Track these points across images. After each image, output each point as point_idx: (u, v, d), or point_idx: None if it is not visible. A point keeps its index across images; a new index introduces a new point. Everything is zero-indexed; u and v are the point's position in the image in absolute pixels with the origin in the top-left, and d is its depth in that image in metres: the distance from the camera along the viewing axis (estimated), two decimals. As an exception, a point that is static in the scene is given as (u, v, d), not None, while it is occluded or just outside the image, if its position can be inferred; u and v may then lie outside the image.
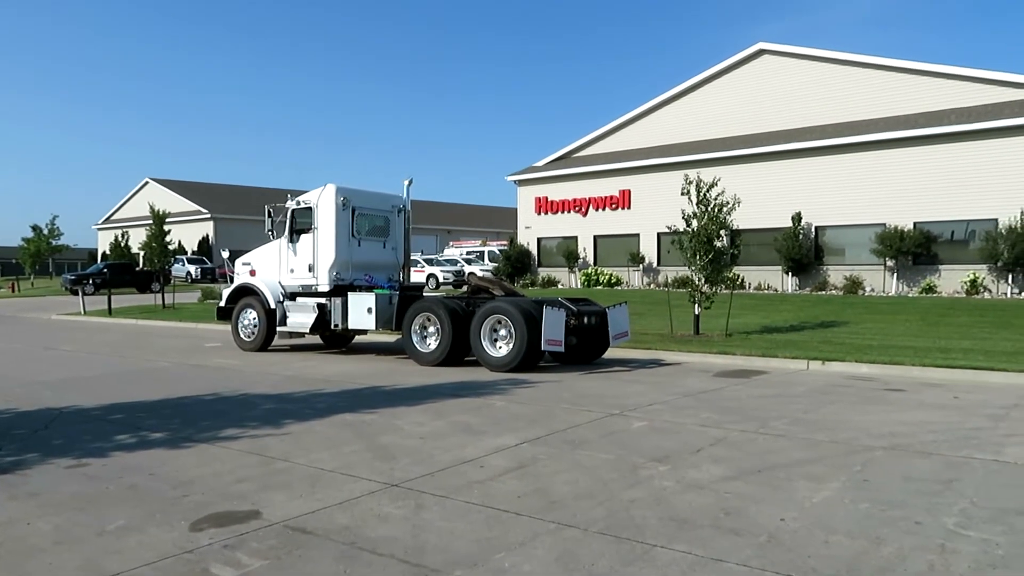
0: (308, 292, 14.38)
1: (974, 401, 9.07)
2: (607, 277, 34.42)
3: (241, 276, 15.55)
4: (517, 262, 37.20)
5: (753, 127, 32.72)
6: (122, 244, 55.28)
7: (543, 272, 37.39)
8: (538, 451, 6.66)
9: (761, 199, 29.21)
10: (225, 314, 15.64)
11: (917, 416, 8.17)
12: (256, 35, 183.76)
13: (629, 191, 35.17)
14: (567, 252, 36.16)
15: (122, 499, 5.34)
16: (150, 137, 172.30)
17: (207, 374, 11.80)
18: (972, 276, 25.64)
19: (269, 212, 14.86)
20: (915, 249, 27.17)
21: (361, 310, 13.50)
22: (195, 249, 61.51)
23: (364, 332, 14.97)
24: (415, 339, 12.75)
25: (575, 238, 36.80)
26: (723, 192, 15.44)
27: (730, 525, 4.74)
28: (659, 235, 33.15)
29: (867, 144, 28.46)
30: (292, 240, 14.60)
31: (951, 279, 26.58)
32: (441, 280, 38.24)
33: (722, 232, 15.76)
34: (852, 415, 8.28)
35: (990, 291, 25.54)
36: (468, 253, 45.40)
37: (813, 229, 30.06)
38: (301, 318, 14.31)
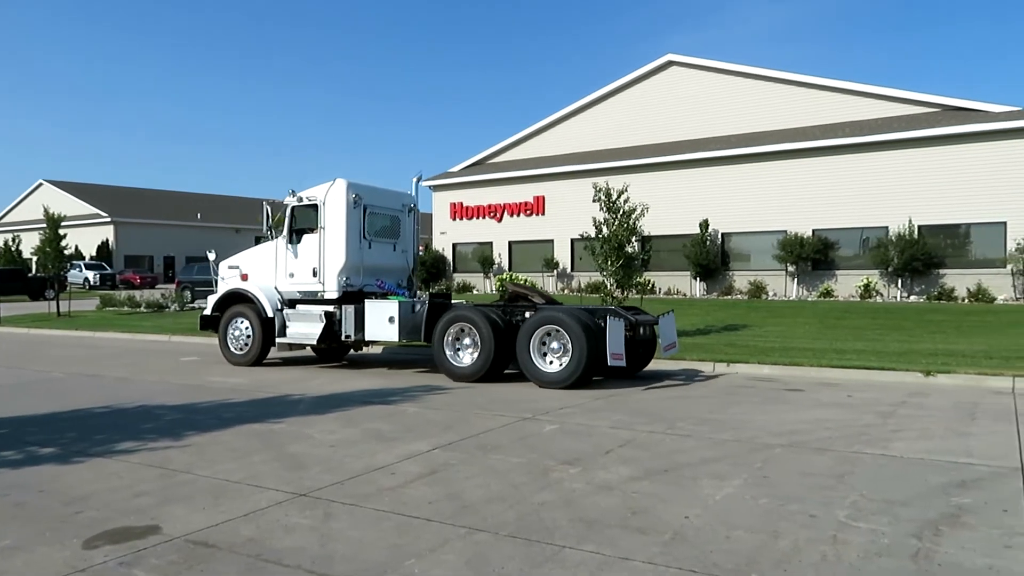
0: (311, 299, 13.00)
1: (866, 399, 9.55)
2: (522, 283, 34.68)
3: (228, 281, 13.97)
4: (432, 267, 37.04)
5: (663, 136, 33.61)
6: (13, 249, 52.24)
7: (458, 278, 37.37)
8: (450, 456, 6.65)
9: (670, 206, 30.05)
10: (210, 324, 13.96)
11: (814, 414, 8.55)
12: (162, 36, 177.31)
13: (543, 197, 35.55)
14: (482, 258, 36.25)
15: (8, 518, 5.05)
16: (44, 138, 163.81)
17: (105, 385, 11.28)
18: (866, 281, 27.03)
19: (267, 210, 13.42)
20: (814, 255, 28.44)
21: (381, 319, 12.14)
22: (93, 254, 58.74)
23: (364, 343, 13.48)
24: (448, 352, 11.46)
25: (490, 244, 36.94)
26: (629, 199, 15.78)
27: (637, 524, 4.85)
28: (572, 241, 33.64)
29: (769, 154, 29.66)
30: (292, 241, 13.13)
31: (847, 284, 27.95)
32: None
33: (633, 238, 16.10)
34: (754, 415, 8.60)
35: (882, 295, 26.97)
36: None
37: (720, 236, 31.08)
38: (305, 328, 12.80)
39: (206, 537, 4.65)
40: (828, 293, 27.84)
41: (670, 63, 34.02)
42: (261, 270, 13.60)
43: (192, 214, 68.26)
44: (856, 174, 27.87)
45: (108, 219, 61.55)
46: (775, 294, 28.91)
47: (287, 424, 8.15)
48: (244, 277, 13.75)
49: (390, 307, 12.11)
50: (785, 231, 29.09)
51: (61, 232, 26.64)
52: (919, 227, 26.58)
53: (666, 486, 5.71)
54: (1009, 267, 25.08)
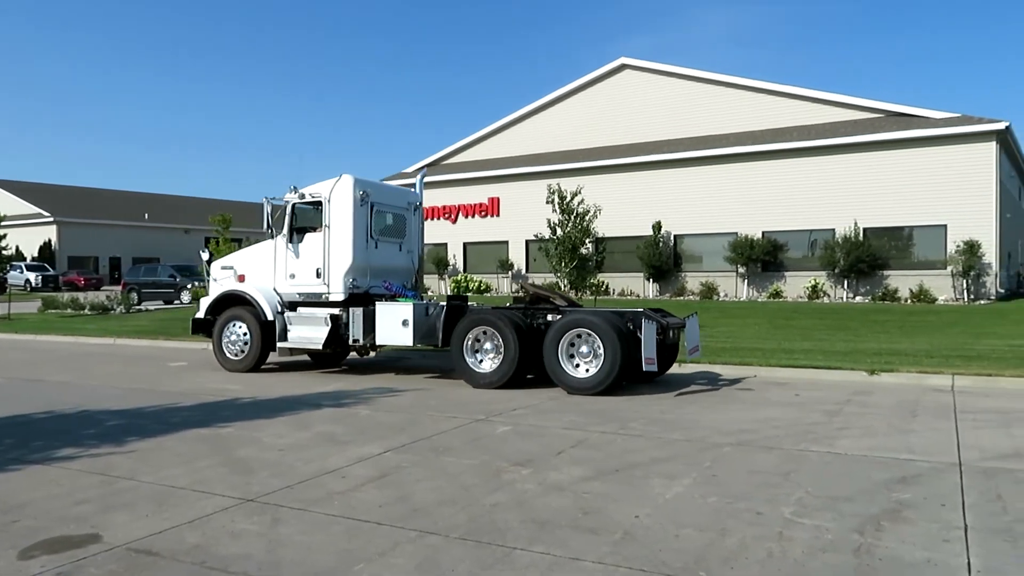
0: (314, 301, 12.34)
1: (813, 398, 9.75)
2: (477, 284, 34.67)
3: (222, 282, 13.24)
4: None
5: (617, 138, 33.93)
6: (-51, 250, 50.43)
7: (413, 279, 37.11)
8: (402, 459, 6.60)
9: (624, 208, 30.34)
10: (202, 328, 13.24)
11: (763, 413, 8.70)
12: (109, 35, 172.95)
13: (498, 199, 35.60)
14: (437, 259, 36.13)
15: (-61, 529, 4.86)
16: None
17: (46, 390, 10.95)
18: (813, 282, 27.64)
19: (267, 207, 12.49)
20: (764, 257, 29.00)
21: (394, 323, 11.47)
22: (35, 255, 57.03)
23: (372, 348, 12.81)
24: (468, 357, 10.94)
25: (444, 245, 36.85)
26: (583, 201, 15.91)
27: (588, 524, 4.87)
28: (527, 242, 33.75)
29: (720, 157, 30.15)
30: (292, 240, 12.44)
31: (795, 285, 28.54)
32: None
33: (587, 240, 16.22)
34: (705, 414, 8.71)
35: (829, 295, 27.60)
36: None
37: (672, 237, 31.48)
38: (308, 332, 12.15)
39: (149, 545, 4.53)
40: (777, 294, 28.39)
41: (623, 66, 34.37)
42: (258, 271, 12.92)
43: (140, 214, 66.74)
44: (805, 177, 28.49)
45: (51, 219, 59.85)
46: (726, 295, 29.38)
47: (235, 428, 8.00)
48: (241, 278, 13.02)
49: (404, 309, 11.46)
50: (736, 233, 29.59)
51: (0, 232, 25.80)
52: (864, 229, 27.29)
53: (617, 486, 5.75)
54: (949, 268, 25.89)
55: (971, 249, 25.10)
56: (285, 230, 12.50)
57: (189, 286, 31.12)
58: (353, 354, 13.70)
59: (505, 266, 34.65)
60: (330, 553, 4.41)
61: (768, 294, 28.60)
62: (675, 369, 12.40)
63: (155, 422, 8.39)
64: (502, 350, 10.60)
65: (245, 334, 12.61)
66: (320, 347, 12.05)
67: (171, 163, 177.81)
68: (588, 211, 15.69)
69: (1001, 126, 25.45)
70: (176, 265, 37.47)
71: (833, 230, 27.87)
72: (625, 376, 10.21)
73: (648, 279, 31.14)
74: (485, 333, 10.82)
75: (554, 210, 15.71)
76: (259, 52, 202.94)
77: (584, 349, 10.14)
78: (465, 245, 36.64)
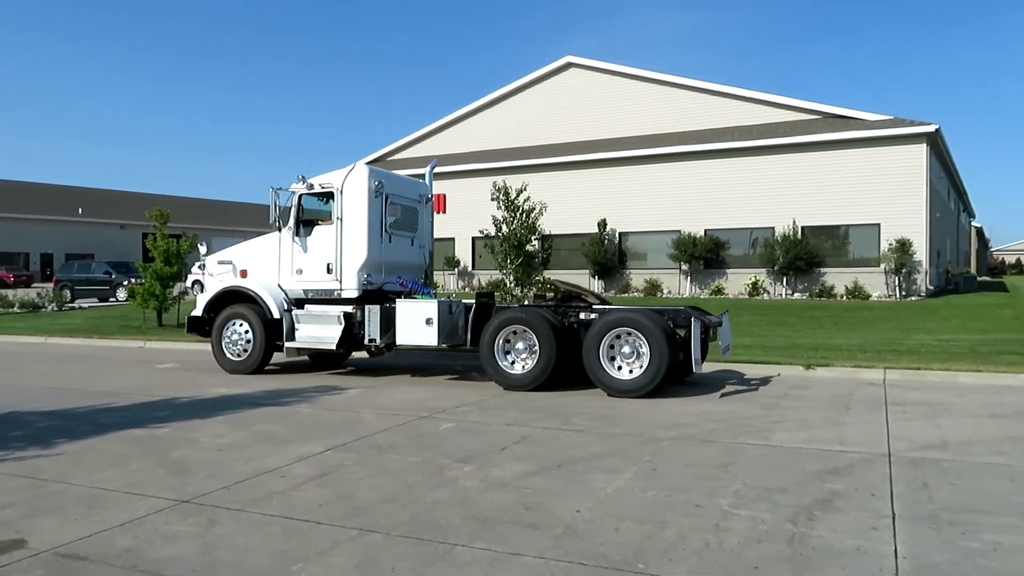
0: (324, 299, 11.69)
1: (751, 392, 9.96)
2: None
3: (220, 277, 12.45)
4: (331, 266, 36.32)
5: (562, 136, 34.10)
6: None
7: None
8: (344, 457, 6.53)
9: (570, 206, 30.52)
10: (197, 327, 12.46)
11: (702, 408, 8.85)
12: (24, 30, 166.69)
13: (444, 195, 35.18)
14: (382, 256, 35.81)
15: None
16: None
17: (-30, 390, 10.51)
18: (754, 279, 28.24)
19: (274, 197, 11.62)
20: (706, 254, 29.51)
21: (416, 321, 10.83)
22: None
23: (389, 348, 11.92)
24: (499, 358, 10.37)
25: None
26: (529, 198, 15.96)
27: (530, 519, 4.89)
28: (473, 239, 33.69)
29: (664, 156, 30.55)
30: (299, 233, 11.71)
31: (736, 282, 29.11)
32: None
33: (532, 237, 16.28)
34: (646, 409, 8.82)
35: (769, 292, 28.23)
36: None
37: (617, 235, 31.81)
38: (319, 331, 11.45)
39: (77, 549, 4.39)
40: (719, 291, 28.92)
41: (569, 65, 34.57)
42: (260, 266, 12.16)
43: (73, 209, 64.54)
44: (746, 176, 29.07)
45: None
46: (669, 292, 29.82)
47: (172, 428, 7.80)
48: (243, 273, 12.26)
49: (428, 307, 10.83)
50: (679, 231, 30.04)
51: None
52: (802, 228, 27.98)
53: (559, 481, 5.78)
54: (882, 266, 26.72)
55: (903, 247, 25.95)
56: (291, 223, 11.76)
57: (125, 283, 30.24)
58: (344, 354, 12.81)
59: (452, 263, 34.56)
60: (267, 553, 4.34)
61: (710, 291, 29.13)
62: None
63: (87, 423, 8.13)
64: (536, 350, 10.06)
65: (248, 333, 11.88)
66: (333, 347, 11.36)
67: (109, 159, 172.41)
68: (534, 208, 15.75)
69: (931, 129, 26.35)
70: (112, 261, 36.36)
71: (773, 228, 28.51)
72: (668, 380, 9.76)
73: (593, 276, 31.41)
74: (516, 332, 10.29)
75: (499, 207, 15.72)
76: (200, 48, 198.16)
77: (626, 350, 9.65)
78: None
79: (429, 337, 10.81)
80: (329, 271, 11.50)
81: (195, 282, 37.11)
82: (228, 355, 12.07)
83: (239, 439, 7.29)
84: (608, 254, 31.04)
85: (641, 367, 9.52)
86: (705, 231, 29.85)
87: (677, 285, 30.07)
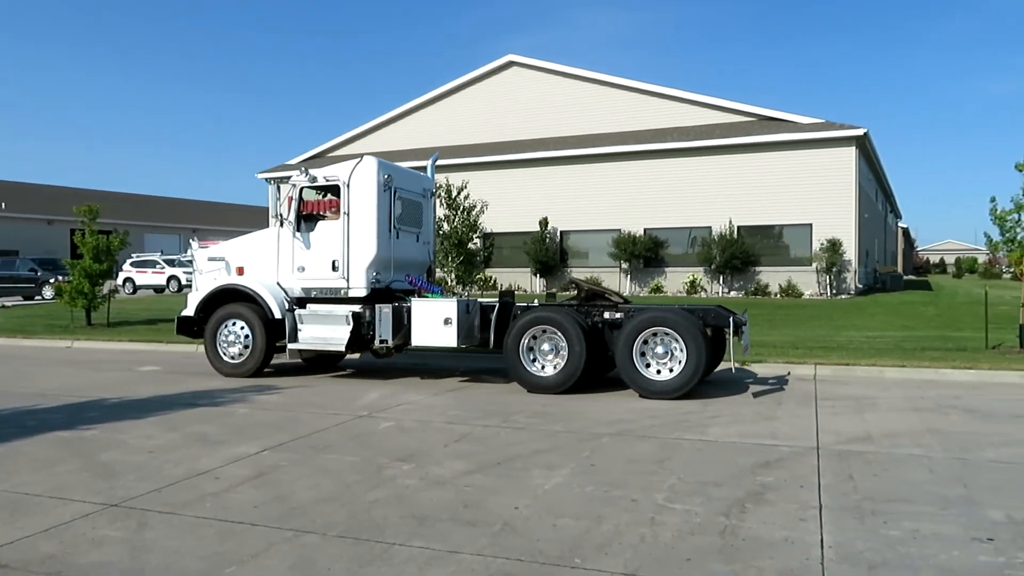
0: (328, 298, 11.15)
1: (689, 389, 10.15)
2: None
3: (211, 275, 11.82)
4: (269, 263, 35.65)
5: (504, 135, 34.16)
6: None
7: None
8: (280, 458, 6.43)
9: (512, 204, 30.61)
10: (187, 327, 11.83)
11: (641, 404, 8.99)
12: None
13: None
14: (322, 253, 35.32)
15: None
16: None
17: None
18: (692, 277, 28.77)
19: (273, 191, 11.20)
20: (646, 253, 29.94)
21: (434, 321, 10.37)
22: None
23: (399, 349, 11.54)
24: (525, 359, 10.02)
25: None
26: (470, 196, 15.97)
27: (468, 517, 4.90)
28: (415, 237, 33.50)
29: (604, 156, 30.88)
30: (300, 228, 11.19)
31: (675, 280, 29.62)
32: (184, 282, 35.65)
33: (474, 235, 16.30)
34: (587, 406, 8.93)
35: (706, 291, 28.81)
36: (215, 254, 42.67)
37: (558, 233, 32.02)
38: (325, 332, 10.91)
39: (-2, 557, 4.23)
40: (658, 289, 29.39)
41: (511, 63, 34.64)
42: (257, 263, 11.56)
43: (-5, 203, 61.86)
44: (684, 177, 29.59)
45: None
46: (610, 290, 30.16)
47: (100, 430, 7.56)
48: (240, 271, 11.65)
49: (446, 307, 10.38)
50: (619, 230, 30.41)
51: None
52: (738, 228, 28.62)
53: (498, 478, 5.81)
54: (814, 265, 27.52)
55: (833, 247, 26.77)
56: (292, 217, 11.23)
57: (52, 280, 29.20)
58: (340, 356, 12.41)
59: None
60: (199, 557, 4.25)
61: (650, 289, 29.57)
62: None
63: (10, 425, 7.82)
64: (565, 351, 9.72)
65: (246, 334, 11.28)
66: (342, 348, 10.84)
67: (34, 151, 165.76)
68: (475, 206, 15.75)
69: (860, 132, 27.24)
70: (37, 258, 35.05)
71: (710, 228, 29.10)
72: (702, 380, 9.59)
73: (535, 274, 31.57)
74: (542, 333, 9.94)
75: (440, 204, 15.68)
76: (129, 42, 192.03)
77: (660, 350, 9.38)
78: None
79: (447, 338, 10.36)
80: (335, 268, 10.96)
81: (126, 280, 36.18)
82: (224, 357, 11.43)
83: (171, 440, 7.11)
84: (550, 253, 31.23)
85: (678, 367, 9.27)
86: (645, 230, 30.28)
87: (617, 283, 30.43)
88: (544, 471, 6.00)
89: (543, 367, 9.92)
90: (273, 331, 11.15)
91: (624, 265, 30.26)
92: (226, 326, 11.42)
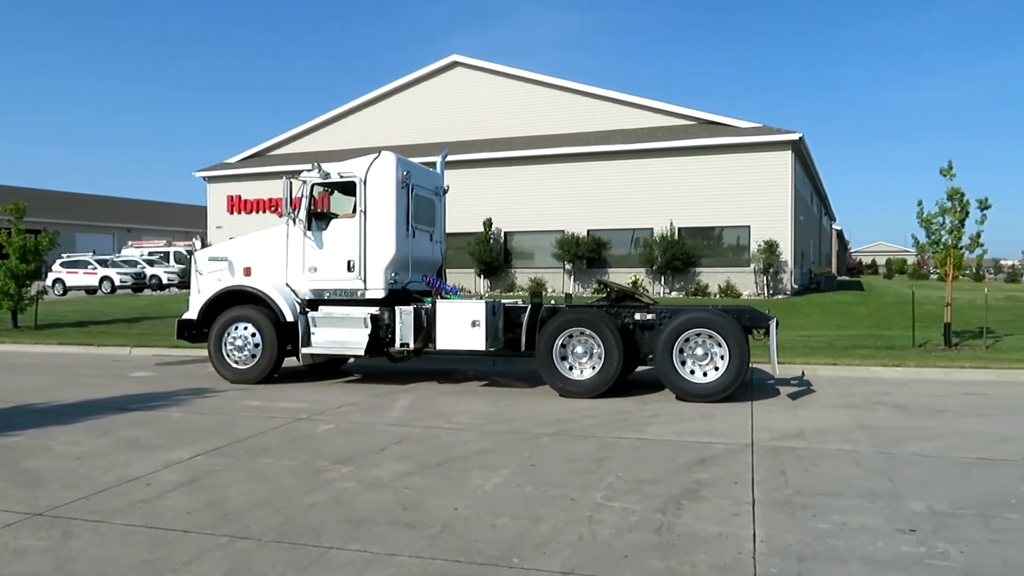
0: (342, 299, 10.64)
1: (630, 388, 10.28)
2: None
3: (214, 276, 11.24)
4: (207, 264, 34.86)
5: (448, 135, 34.03)
6: None
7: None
8: (215, 462, 6.30)
9: (457, 205, 30.38)
10: (187, 331, 11.22)
11: (582, 404, 9.07)
12: None
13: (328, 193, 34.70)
14: (263, 254, 34.69)
15: None
16: None
17: None
18: (634, 278, 29.08)
19: (288, 187, 10.63)
20: (589, 254, 30.19)
21: (460, 324, 9.98)
22: None
23: (418, 353, 11.02)
24: (557, 363, 9.68)
25: (271, 239, 35.43)
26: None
27: (407, 519, 4.88)
28: (358, 237, 33.17)
29: (548, 157, 31.04)
30: (311, 227, 10.73)
31: (618, 280, 29.87)
32: (118, 283, 34.62)
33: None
34: (528, 405, 8.97)
35: (648, 291, 29.18)
36: (150, 253, 41.60)
37: (503, 234, 32.06)
38: (341, 335, 10.44)
39: (-89, 571, 4.05)
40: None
41: (455, 63, 34.56)
42: (265, 263, 11.05)
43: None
44: (626, 178, 29.94)
45: None
46: (554, 291, 30.32)
47: (25, 437, 7.29)
48: (247, 271, 11.10)
49: (474, 308, 9.99)
50: (563, 231, 30.60)
51: None
52: (679, 229, 29.08)
53: (438, 480, 5.79)
54: (752, 266, 28.14)
55: (771, 248, 27.42)
56: (303, 215, 10.75)
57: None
58: (344, 359, 12.12)
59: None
60: (129, 566, 4.13)
61: (593, 290, 29.83)
62: (503, 365, 12.64)
63: (-74, 433, 7.48)
64: (601, 354, 9.45)
65: (254, 337, 10.72)
66: (361, 352, 10.35)
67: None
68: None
69: (795, 136, 27.96)
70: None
71: (652, 229, 29.50)
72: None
73: (479, 275, 31.56)
74: (577, 335, 9.65)
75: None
76: (56, 38, 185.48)
77: (699, 352, 9.20)
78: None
79: (475, 341, 9.98)
80: (351, 269, 10.50)
81: (56, 281, 34.91)
82: (231, 363, 10.84)
83: (100, 446, 6.90)
84: (494, 253, 31.26)
85: (717, 369, 9.14)
86: (588, 231, 30.53)
87: (561, 284, 30.62)
88: (484, 472, 6.00)
89: (577, 370, 9.64)
90: (284, 335, 10.68)
91: (568, 266, 30.47)
92: (233, 330, 10.85)
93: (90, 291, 34.73)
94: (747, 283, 28.24)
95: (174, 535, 4.60)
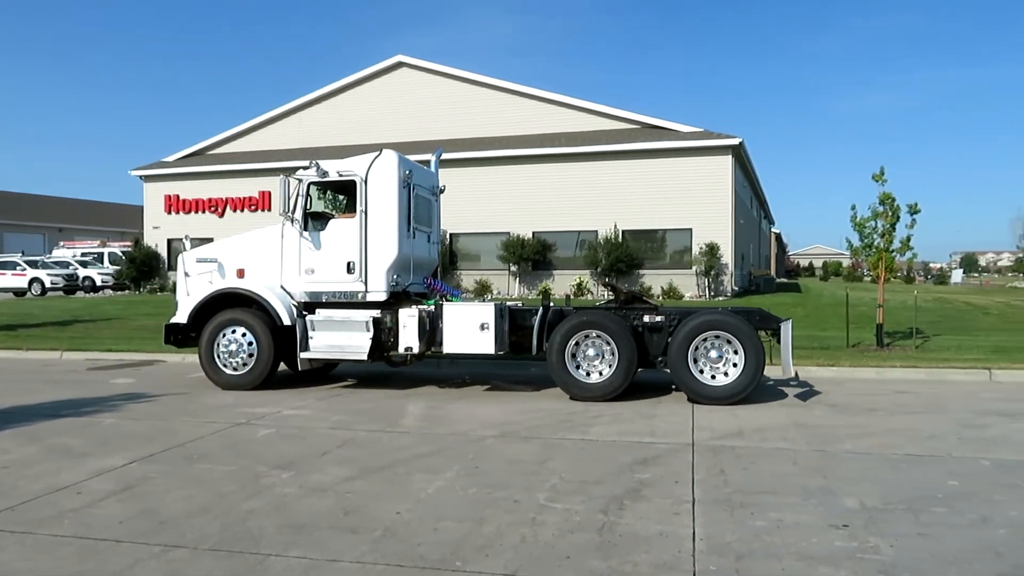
0: (340, 302, 10.31)
1: (573, 389, 10.35)
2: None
3: (203, 278, 10.80)
4: (143, 265, 34.00)
5: (394, 136, 33.77)
6: None
7: (174, 276, 34.60)
8: (150, 469, 6.13)
9: (401, 206, 30.29)
10: (176, 335, 10.76)
11: (527, 405, 9.10)
12: None
13: (270, 193, 34.11)
14: (202, 255, 33.91)
15: None
16: None
17: None
18: (579, 280, 29.34)
19: (287, 186, 10.20)
20: (534, 256, 30.32)
21: (468, 327, 9.76)
22: None
23: (421, 357, 10.69)
24: (569, 366, 9.51)
25: (211, 240, 34.65)
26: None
27: (349, 524, 4.82)
28: (301, 239, 32.68)
29: (495, 159, 31.08)
30: (308, 227, 10.35)
31: (563, 282, 30.09)
32: (49, 285, 33.46)
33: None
34: (473, 408, 8.95)
35: (592, 293, 29.45)
36: (84, 254, 40.29)
37: (448, 236, 31.96)
38: (342, 339, 10.14)
39: None
40: (546, 291, 29.80)
41: (401, 64, 34.36)
42: (258, 265, 10.64)
43: None
44: (572, 181, 30.16)
45: None
46: (499, 292, 30.36)
47: (-53, 445, 6.98)
48: (240, 273, 10.68)
49: (483, 311, 9.79)
50: (509, 233, 30.67)
51: None
52: (623, 232, 29.43)
53: (381, 484, 5.74)
54: (694, 268, 28.64)
55: (712, 251, 27.95)
56: (299, 215, 10.37)
57: None
58: (334, 364, 11.67)
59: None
60: (56, 578, 3.99)
61: (538, 291, 29.95)
62: (447, 368, 12.59)
63: None
64: (615, 356, 9.34)
65: (250, 343, 10.32)
66: (364, 357, 10.02)
67: None
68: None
69: (736, 141, 28.58)
70: None
71: (596, 232, 29.78)
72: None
73: (425, 277, 31.47)
74: (588, 337, 9.52)
75: (326, 207, 15.33)
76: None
77: (713, 354, 9.16)
78: (168, 241, 34.72)
79: (484, 344, 9.76)
80: (351, 271, 10.18)
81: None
82: (224, 368, 10.43)
83: (29, 454, 6.65)
84: (440, 255, 31.18)
85: (732, 371, 9.10)
86: (534, 233, 30.66)
87: (507, 286, 30.69)
88: (427, 475, 5.97)
89: (589, 373, 9.51)
90: (280, 339, 10.30)
91: (513, 268, 30.56)
92: (226, 334, 10.43)
93: (19, 293, 33.49)
94: (689, 285, 28.72)
95: (105, 545, 4.46)
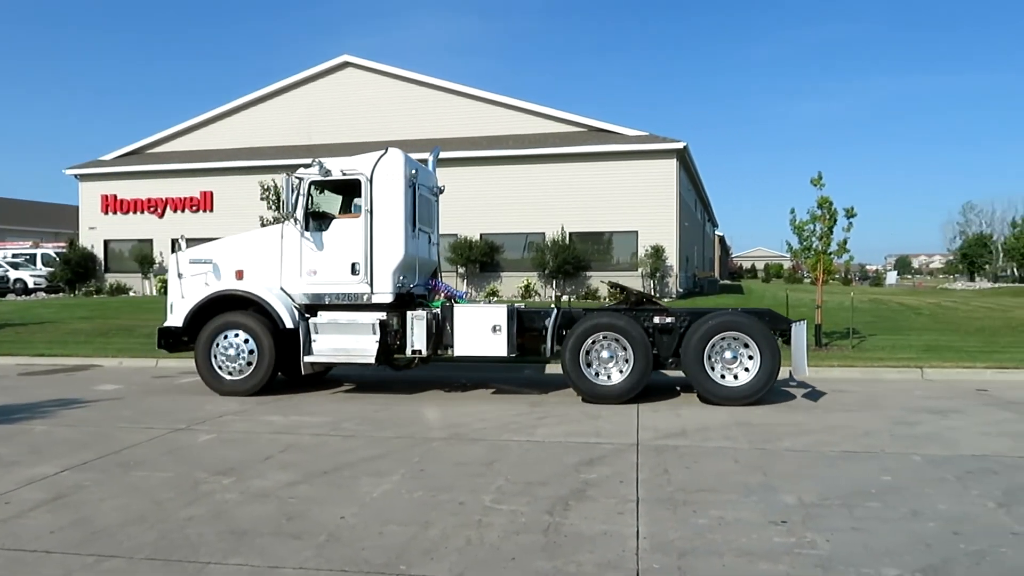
0: (343, 304, 9.99)
1: (519, 393, 10.37)
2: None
3: (202, 279, 10.37)
4: (79, 267, 32.93)
5: (340, 136, 33.41)
6: None
7: (112, 278, 33.64)
8: (83, 477, 5.93)
9: (347, 207, 29.96)
10: (170, 339, 10.39)
11: (473, 408, 9.09)
12: None
13: (212, 193, 33.42)
14: (141, 256, 33.04)
15: None
16: None
17: None
18: (526, 282, 29.43)
19: (290, 184, 9.97)
20: (482, 258, 30.30)
21: (480, 329, 9.60)
22: None
23: (427, 360, 10.64)
24: (584, 367, 9.39)
25: (150, 241, 33.78)
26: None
27: (291, 530, 4.75)
28: (245, 240, 32.06)
29: (441, 160, 30.76)
30: (310, 227, 10.05)
31: (510, 284, 30.18)
32: (-22, 287, 32.16)
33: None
34: (418, 411, 8.91)
35: (540, 295, 29.57)
36: (15, 256, 38.84)
37: (395, 238, 31.74)
38: (347, 342, 9.84)
39: None
40: (494, 293, 29.81)
41: (346, 64, 34.00)
42: (257, 266, 10.29)
43: None
44: (519, 183, 30.24)
45: None
46: (447, 295, 30.29)
47: None
48: (239, 275, 10.30)
49: (496, 313, 9.68)
50: (456, 235, 30.59)
51: None
52: (570, 234, 29.62)
53: (325, 488, 5.66)
54: (640, 270, 28.98)
55: (657, 253, 28.34)
56: (300, 215, 10.06)
57: None
58: (329, 368, 11.42)
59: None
60: (-18, 592, 3.84)
61: (485, 293, 29.95)
62: (391, 372, 12.46)
63: None
64: (629, 358, 9.28)
65: (249, 346, 10.01)
66: (371, 360, 9.75)
67: None
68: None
69: (680, 145, 29.03)
70: None
71: (544, 234, 29.91)
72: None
73: (371, 279, 31.19)
74: (603, 339, 9.43)
75: (269, 207, 15.13)
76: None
77: (728, 355, 9.16)
78: (174, 241, 33.83)
79: (497, 347, 9.64)
80: (355, 272, 9.90)
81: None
82: (222, 373, 10.09)
83: (-47, 464, 6.38)
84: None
85: (745, 373, 9.12)
86: (481, 235, 30.64)
87: (454, 287, 30.63)
88: (373, 478, 5.91)
89: (598, 374, 9.43)
90: (284, 343, 10.00)
91: (461, 270, 30.48)
92: (224, 338, 10.09)
93: (-55, 296, 32.12)
94: (635, 286, 29.02)
95: (35, 556, 4.31)
